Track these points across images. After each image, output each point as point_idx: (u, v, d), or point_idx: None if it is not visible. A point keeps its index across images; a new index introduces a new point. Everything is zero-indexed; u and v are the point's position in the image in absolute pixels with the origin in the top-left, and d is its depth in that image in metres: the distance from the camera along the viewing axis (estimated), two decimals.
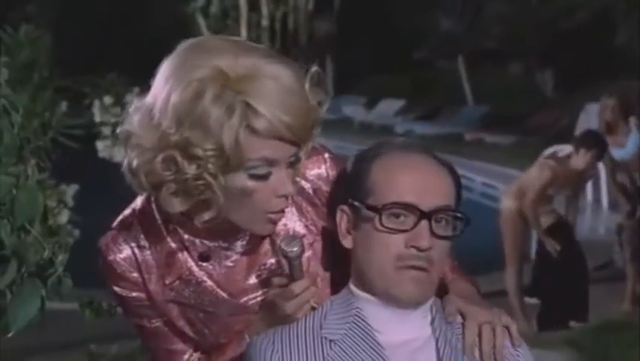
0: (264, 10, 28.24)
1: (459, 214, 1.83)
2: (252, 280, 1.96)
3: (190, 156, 1.77)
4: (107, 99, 5.47)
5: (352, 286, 1.88)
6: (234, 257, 1.95)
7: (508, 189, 7.54)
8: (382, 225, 1.81)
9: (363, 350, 1.80)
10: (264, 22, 28.39)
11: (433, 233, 1.80)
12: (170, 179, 1.80)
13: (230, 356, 1.97)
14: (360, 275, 1.86)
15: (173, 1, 26.94)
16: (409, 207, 1.80)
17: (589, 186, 11.77)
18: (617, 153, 7.91)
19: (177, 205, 1.83)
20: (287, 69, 1.82)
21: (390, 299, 1.82)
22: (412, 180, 1.83)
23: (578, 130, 10.07)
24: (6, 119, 1.88)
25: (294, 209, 1.97)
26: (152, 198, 1.92)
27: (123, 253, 1.95)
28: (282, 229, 1.96)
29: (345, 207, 1.89)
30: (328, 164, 2.01)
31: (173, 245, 1.94)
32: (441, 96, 24.35)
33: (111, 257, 1.96)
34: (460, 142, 19.43)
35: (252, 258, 1.96)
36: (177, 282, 1.94)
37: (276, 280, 1.93)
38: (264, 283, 1.96)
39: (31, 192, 1.79)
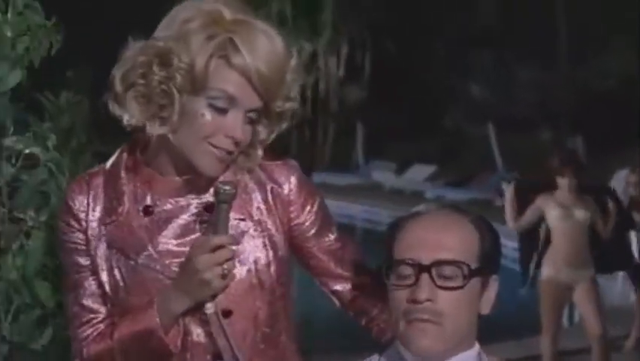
0: None
1: (471, 272, 1.85)
2: (182, 247, 2.06)
3: (165, 63, 1.96)
4: None
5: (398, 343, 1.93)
6: (175, 221, 2.06)
7: (546, 256, 7.50)
8: (388, 282, 1.88)
9: None
10: (297, 105, 28.56)
11: (437, 285, 1.83)
12: (140, 82, 1.98)
13: (129, 329, 2.04)
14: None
15: None
16: (408, 263, 1.86)
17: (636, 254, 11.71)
18: None
19: (137, 112, 1.99)
20: (281, 39, 2.02)
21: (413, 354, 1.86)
22: (415, 237, 1.89)
23: None
24: (53, 182, 1.97)
25: (251, 195, 2.11)
26: (123, 150, 2.11)
27: (81, 188, 2.09)
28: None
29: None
30: (293, 181, 2.17)
31: (125, 192, 2.06)
32: (471, 162, 24.37)
33: (69, 193, 2.11)
34: (491, 208, 19.40)
35: (189, 228, 2.07)
36: (114, 224, 2.06)
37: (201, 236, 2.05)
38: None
39: None
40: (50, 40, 2.27)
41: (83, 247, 2.07)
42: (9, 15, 2.30)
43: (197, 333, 2.06)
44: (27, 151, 2.36)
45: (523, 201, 7.43)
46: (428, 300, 1.83)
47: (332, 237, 2.23)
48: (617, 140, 20.51)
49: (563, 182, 7.21)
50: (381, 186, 23.87)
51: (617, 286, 10.78)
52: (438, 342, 1.84)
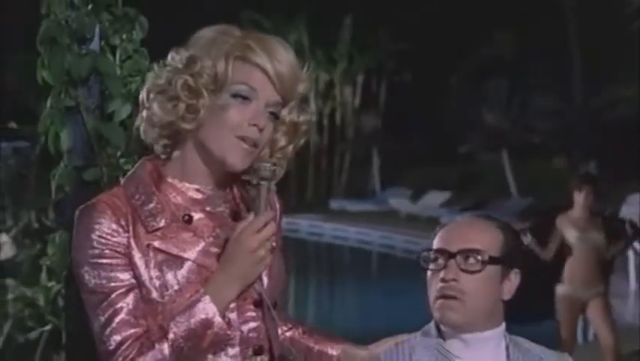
0: (312, 106, 28.90)
1: (489, 259, 2.29)
2: (216, 257, 2.16)
3: (190, 66, 2.12)
4: None
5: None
6: (211, 228, 2.17)
7: (563, 274, 7.91)
8: (421, 267, 2.33)
9: None
10: (312, 118, 28.94)
11: (460, 269, 2.28)
12: (167, 88, 2.12)
13: (184, 326, 2.07)
14: None
15: None
16: (439, 251, 2.31)
17: (632, 272, 12.11)
18: None
19: (168, 113, 2.13)
20: (292, 50, 2.19)
21: (442, 325, 2.32)
22: (446, 231, 2.35)
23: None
24: None
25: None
26: (144, 165, 2.19)
27: (114, 202, 2.13)
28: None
29: None
30: (280, 208, 2.34)
31: (162, 201, 2.15)
32: (486, 189, 24.64)
33: (99, 208, 2.13)
34: None
35: (220, 236, 2.17)
36: (160, 232, 2.12)
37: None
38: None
39: None
40: None
41: (123, 260, 2.10)
42: (117, 59, 2.79)
43: (243, 329, 2.16)
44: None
45: (543, 226, 7.83)
46: (453, 280, 2.28)
47: None
48: (629, 166, 20.80)
49: (579, 198, 7.64)
50: (397, 213, 24.14)
51: (630, 305, 11.16)
52: (459, 315, 2.28)
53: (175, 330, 2.07)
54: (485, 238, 2.33)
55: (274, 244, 2.14)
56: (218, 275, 2.11)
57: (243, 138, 2.12)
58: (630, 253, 11.82)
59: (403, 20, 27.04)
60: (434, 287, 2.31)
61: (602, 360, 7.71)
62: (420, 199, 24.71)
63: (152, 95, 2.14)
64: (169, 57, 2.17)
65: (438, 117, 27.79)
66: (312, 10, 27.89)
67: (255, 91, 2.12)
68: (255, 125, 2.12)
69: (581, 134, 24.85)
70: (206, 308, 2.08)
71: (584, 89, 26.10)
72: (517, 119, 26.67)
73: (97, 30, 2.77)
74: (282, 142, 2.22)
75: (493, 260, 2.31)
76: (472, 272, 2.29)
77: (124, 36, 2.80)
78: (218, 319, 2.08)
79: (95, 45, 2.78)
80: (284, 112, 2.20)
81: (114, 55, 2.82)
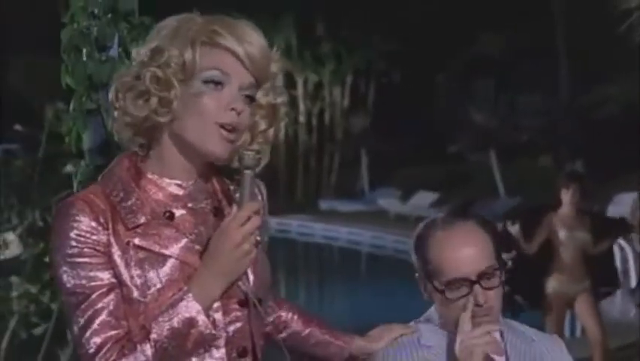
0: (301, 106, 29.06)
1: (497, 267, 2.44)
2: (198, 254, 2.08)
3: (156, 58, 2.06)
4: None
5: (439, 321, 2.52)
6: (193, 224, 2.11)
7: (551, 270, 8.09)
8: (447, 298, 2.45)
9: (450, 353, 2.45)
10: (301, 118, 29.19)
11: (486, 289, 2.42)
12: (136, 83, 2.06)
13: (167, 325, 2.00)
14: (446, 324, 2.50)
15: None
16: (461, 280, 2.42)
17: (618, 269, 12.28)
18: None
19: (140, 108, 2.07)
20: (260, 31, 2.13)
21: None
22: (453, 258, 2.44)
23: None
24: None
25: None
26: (121, 162, 2.13)
27: (91, 200, 2.06)
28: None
29: (417, 275, 2.53)
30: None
31: (141, 198, 2.09)
32: (474, 188, 24.79)
33: (77, 206, 2.05)
34: None
35: (202, 233, 2.11)
36: (140, 229, 2.05)
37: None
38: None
39: None
40: None
41: (102, 259, 2.03)
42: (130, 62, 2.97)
43: (229, 330, 2.09)
44: None
45: (529, 223, 8.01)
46: (485, 302, 2.41)
47: None
48: (615, 165, 21.00)
49: (566, 196, 7.84)
50: (387, 213, 24.26)
51: (617, 301, 11.33)
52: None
53: (158, 330, 1.99)
54: (485, 247, 2.47)
55: (258, 237, 2.06)
56: (202, 272, 2.04)
57: (222, 125, 2.07)
58: (616, 249, 11.98)
59: (391, 20, 27.19)
60: (460, 310, 2.42)
61: (590, 355, 7.92)
62: (409, 199, 24.83)
63: (120, 95, 2.09)
64: (133, 53, 2.15)
65: (427, 117, 27.91)
66: (301, 11, 28.01)
67: (228, 75, 2.07)
68: (233, 109, 2.06)
69: (568, 133, 25.04)
70: (190, 306, 2.00)
71: (571, 88, 26.31)
72: (505, 118, 26.82)
73: (116, 38, 2.95)
74: (262, 126, 2.16)
75: (501, 268, 2.47)
76: (496, 287, 2.44)
77: (140, 43, 2.96)
78: (202, 317, 2.01)
79: (114, 52, 2.95)
80: (259, 95, 2.14)
81: (131, 61, 2.99)
